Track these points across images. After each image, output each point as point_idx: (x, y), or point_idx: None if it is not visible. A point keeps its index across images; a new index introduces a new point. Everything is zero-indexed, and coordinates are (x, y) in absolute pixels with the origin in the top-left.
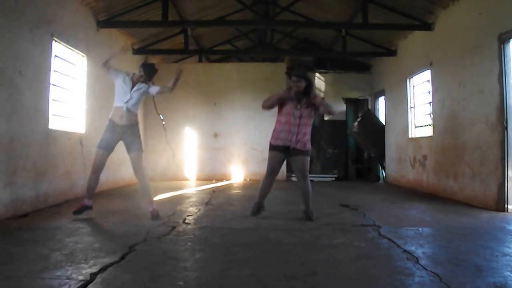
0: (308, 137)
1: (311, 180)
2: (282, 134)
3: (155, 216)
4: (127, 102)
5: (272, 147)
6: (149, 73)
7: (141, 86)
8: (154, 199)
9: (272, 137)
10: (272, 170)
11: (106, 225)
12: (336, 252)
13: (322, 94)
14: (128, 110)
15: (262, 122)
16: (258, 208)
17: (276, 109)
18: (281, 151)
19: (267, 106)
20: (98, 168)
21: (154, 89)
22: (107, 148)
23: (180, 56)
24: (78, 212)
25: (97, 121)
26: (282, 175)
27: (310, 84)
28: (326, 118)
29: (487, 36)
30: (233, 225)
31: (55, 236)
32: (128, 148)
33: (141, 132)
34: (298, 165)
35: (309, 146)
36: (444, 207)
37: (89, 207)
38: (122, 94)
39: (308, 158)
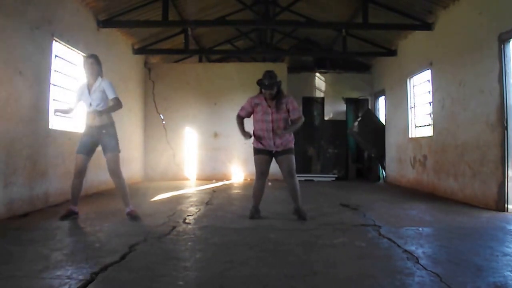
0: (288, 137)
1: (311, 180)
2: (261, 139)
3: (133, 216)
4: (90, 105)
5: (256, 151)
6: (95, 58)
7: (98, 84)
8: (154, 199)
9: (254, 141)
10: (261, 173)
11: (106, 225)
12: (336, 252)
13: (322, 94)
14: (95, 111)
15: None
16: (255, 212)
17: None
18: (265, 154)
19: (240, 128)
20: (80, 173)
21: (110, 94)
22: (86, 152)
23: (180, 56)
24: (65, 217)
25: None
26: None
27: (280, 87)
28: (325, 118)
29: (487, 36)
30: (233, 225)
31: (55, 236)
32: (104, 149)
33: (141, 132)
34: (284, 165)
35: (291, 144)
36: (444, 207)
37: (75, 213)
38: (86, 100)
39: (293, 156)
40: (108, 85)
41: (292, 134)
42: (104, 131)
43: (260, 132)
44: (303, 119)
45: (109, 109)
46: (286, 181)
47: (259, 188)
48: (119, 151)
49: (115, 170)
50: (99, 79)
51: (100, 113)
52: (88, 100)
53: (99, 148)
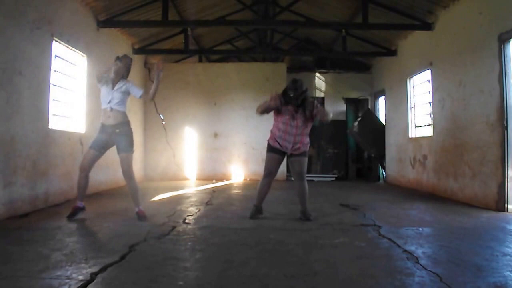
0: (306, 141)
1: (310, 180)
2: (280, 140)
3: (141, 216)
4: (109, 102)
5: (271, 148)
6: (126, 63)
7: (121, 84)
8: (154, 199)
9: (270, 138)
10: (270, 172)
11: (106, 225)
12: (336, 252)
13: (322, 94)
14: (112, 109)
15: (262, 122)
16: (256, 211)
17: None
18: (279, 153)
19: (261, 112)
20: (86, 166)
21: (137, 93)
22: (98, 149)
23: (180, 56)
24: (71, 215)
25: (97, 121)
26: (282, 175)
27: (306, 96)
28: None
29: (487, 36)
30: (233, 225)
31: (55, 236)
32: (118, 148)
33: (141, 132)
34: (296, 167)
35: (306, 148)
36: (444, 207)
37: (82, 209)
38: (105, 95)
39: (306, 159)
40: (132, 85)
41: (308, 138)
42: (117, 130)
43: (282, 133)
44: (330, 114)
45: (152, 93)
46: (296, 183)
47: (265, 187)
48: (132, 151)
49: (127, 171)
50: (123, 80)
51: (115, 111)
52: (110, 96)
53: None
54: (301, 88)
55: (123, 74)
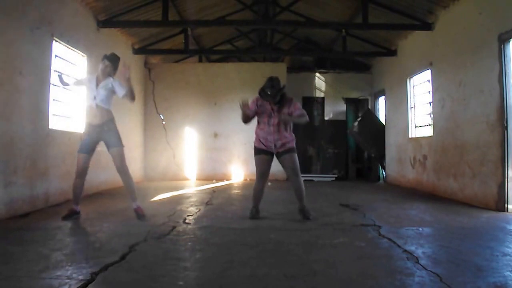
0: (289, 137)
1: (310, 180)
2: (263, 140)
3: (140, 214)
4: (94, 99)
5: (257, 151)
6: (113, 62)
7: (107, 82)
8: (154, 199)
9: (255, 140)
10: (262, 174)
11: (106, 225)
12: (336, 252)
13: (322, 94)
14: (97, 106)
15: None
16: (256, 212)
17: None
18: (266, 154)
19: (244, 121)
20: (82, 172)
21: (120, 92)
22: (87, 151)
23: (180, 56)
24: (67, 217)
25: None
26: (282, 175)
27: (284, 93)
28: (325, 118)
29: (487, 36)
30: (234, 225)
31: (55, 236)
32: (108, 145)
33: (141, 132)
34: (287, 163)
35: (292, 144)
36: (444, 207)
37: (77, 213)
38: (89, 93)
39: (295, 155)
40: (118, 84)
41: (293, 135)
42: (106, 128)
43: (263, 134)
44: (306, 117)
45: (129, 93)
46: (291, 180)
47: (260, 189)
48: (123, 146)
49: (121, 166)
50: (110, 78)
51: (100, 107)
52: (93, 93)
53: (98, 149)
54: (278, 86)
55: (109, 73)
